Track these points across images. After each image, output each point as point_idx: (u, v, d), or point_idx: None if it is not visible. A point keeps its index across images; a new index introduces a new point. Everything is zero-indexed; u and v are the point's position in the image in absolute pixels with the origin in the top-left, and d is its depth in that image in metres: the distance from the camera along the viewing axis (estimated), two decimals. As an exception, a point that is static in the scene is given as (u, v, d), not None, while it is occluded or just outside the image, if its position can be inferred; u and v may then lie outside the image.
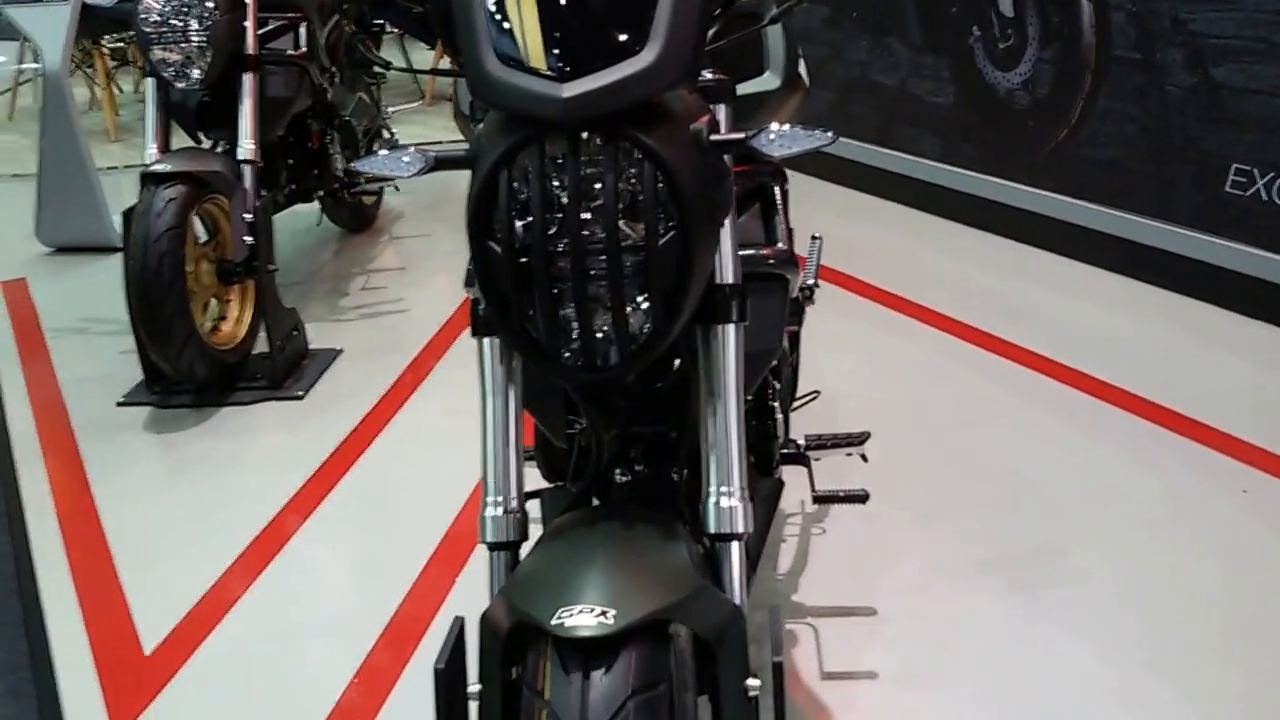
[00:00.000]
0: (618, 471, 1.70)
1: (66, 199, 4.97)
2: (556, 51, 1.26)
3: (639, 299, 1.31)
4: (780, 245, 1.85)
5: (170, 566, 2.72)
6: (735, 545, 1.43)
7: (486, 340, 1.47)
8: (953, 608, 2.41)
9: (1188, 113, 3.85)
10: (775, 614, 1.44)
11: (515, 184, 1.28)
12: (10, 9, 4.90)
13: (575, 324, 1.31)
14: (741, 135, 1.36)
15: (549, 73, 1.25)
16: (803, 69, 2.06)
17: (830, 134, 1.35)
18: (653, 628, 1.27)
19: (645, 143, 1.26)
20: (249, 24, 3.65)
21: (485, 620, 1.34)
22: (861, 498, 2.35)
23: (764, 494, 2.10)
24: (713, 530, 1.42)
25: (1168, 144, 3.94)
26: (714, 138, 1.35)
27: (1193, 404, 3.23)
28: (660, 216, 1.28)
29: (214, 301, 3.61)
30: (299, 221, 4.78)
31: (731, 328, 1.45)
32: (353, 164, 1.45)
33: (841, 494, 2.35)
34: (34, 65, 5.31)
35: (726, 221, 1.45)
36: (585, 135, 1.27)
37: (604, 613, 1.23)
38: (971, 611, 2.39)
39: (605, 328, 1.32)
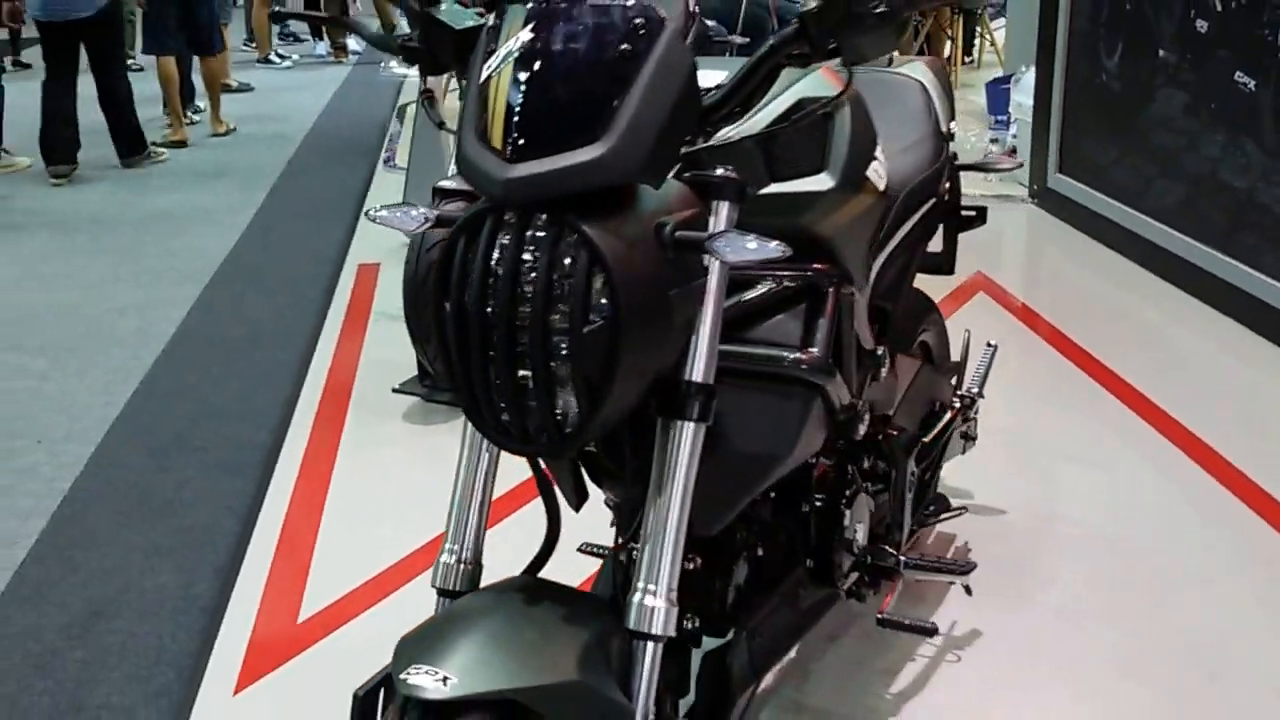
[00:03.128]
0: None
1: (425, 196, 5.46)
2: (515, 132, 1.33)
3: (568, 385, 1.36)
4: (816, 350, 1.75)
5: (360, 544, 2.98)
6: (651, 646, 1.43)
7: None
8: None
9: None
10: None
11: (469, 254, 1.37)
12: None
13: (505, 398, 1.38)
14: (703, 235, 1.38)
15: (504, 152, 1.33)
16: (876, 171, 1.86)
17: (780, 246, 1.34)
18: (504, 707, 1.31)
19: (583, 230, 1.31)
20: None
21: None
22: (929, 631, 2.25)
23: (808, 603, 2.04)
24: (631, 626, 1.44)
25: None
26: (678, 234, 1.38)
27: None
28: (597, 306, 1.33)
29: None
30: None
31: (690, 426, 1.46)
32: (366, 213, 1.58)
33: (907, 623, 2.24)
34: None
35: (707, 318, 1.46)
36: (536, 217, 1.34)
37: (445, 679, 1.29)
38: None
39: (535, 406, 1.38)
